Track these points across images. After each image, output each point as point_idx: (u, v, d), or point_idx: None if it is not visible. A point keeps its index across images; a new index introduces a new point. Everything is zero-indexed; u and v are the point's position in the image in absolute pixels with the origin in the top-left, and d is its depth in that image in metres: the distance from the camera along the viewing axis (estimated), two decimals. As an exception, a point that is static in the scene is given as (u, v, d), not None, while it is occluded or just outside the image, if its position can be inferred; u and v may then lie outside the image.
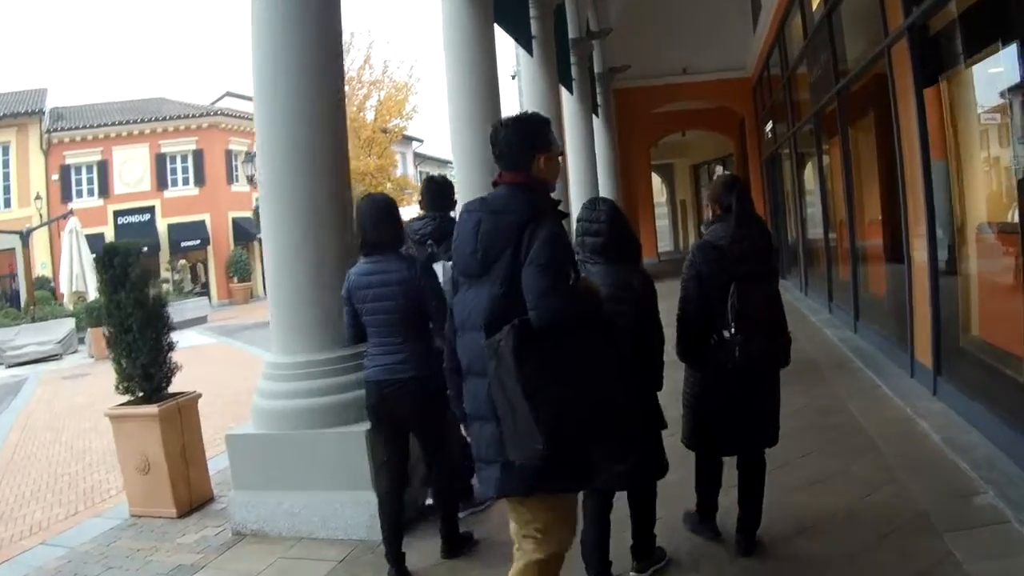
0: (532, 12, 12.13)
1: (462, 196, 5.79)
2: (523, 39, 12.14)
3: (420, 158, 57.15)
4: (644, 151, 26.44)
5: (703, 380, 4.24)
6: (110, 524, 6.16)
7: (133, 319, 6.01)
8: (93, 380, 14.91)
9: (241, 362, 15.80)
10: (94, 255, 22.15)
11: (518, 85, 12.63)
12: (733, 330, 3.98)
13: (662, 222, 38.05)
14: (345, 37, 6.65)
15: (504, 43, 11.73)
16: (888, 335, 8.81)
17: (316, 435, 5.15)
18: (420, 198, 5.62)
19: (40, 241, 32.37)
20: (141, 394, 6.16)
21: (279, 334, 5.41)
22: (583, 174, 17.03)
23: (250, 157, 33.00)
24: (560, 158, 3.32)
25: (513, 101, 12.65)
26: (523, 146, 3.13)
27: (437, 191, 5.47)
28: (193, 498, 6.24)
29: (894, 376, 7.83)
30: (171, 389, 6.28)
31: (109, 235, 31.92)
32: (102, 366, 13.75)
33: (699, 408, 4.29)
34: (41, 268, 32.78)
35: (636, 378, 3.79)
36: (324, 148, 5.34)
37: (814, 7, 11.73)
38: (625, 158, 22.94)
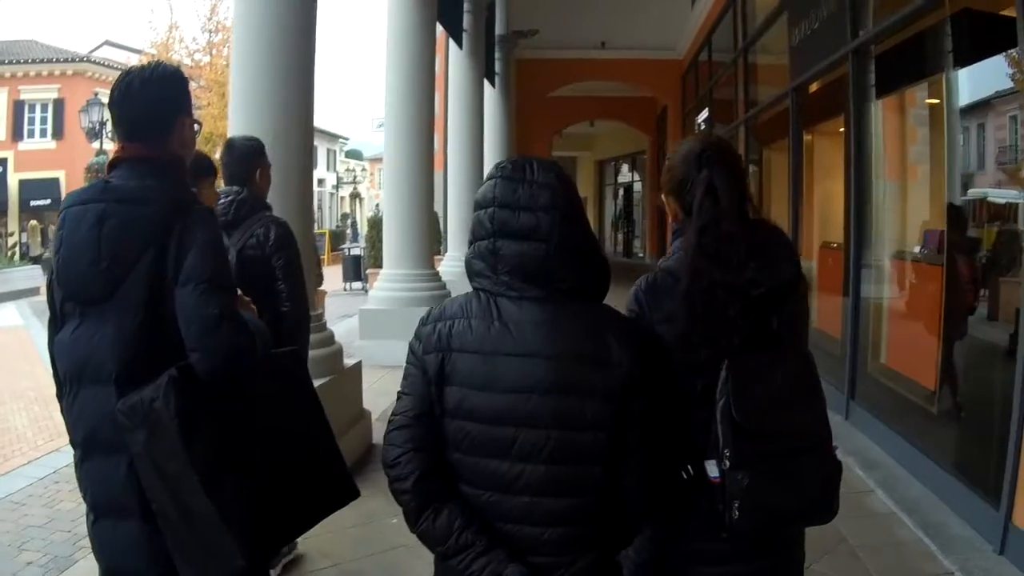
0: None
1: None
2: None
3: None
4: (546, 138, 23.63)
5: (667, 548, 2.26)
6: None
7: None
8: None
9: (20, 357, 12.24)
10: None
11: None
12: (727, 461, 2.01)
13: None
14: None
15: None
16: (947, 466, 5.14)
17: None
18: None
19: None
20: None
21: None
22: (466, 152, 13.79)
23: (92, 103, 28.71)
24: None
25: (379, 51, 9.96)
26: (167, 105, 2.38)
27: (238, 156, 4.13)
28: None
29: (971, 548, 4.44)
30: None
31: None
32: None
33: None
34: None
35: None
36: None
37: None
38: (522, 141, 19.79)
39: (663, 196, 2.36)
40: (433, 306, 2.07)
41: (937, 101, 5.82)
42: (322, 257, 30.05)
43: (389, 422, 2.01)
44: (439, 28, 11.53)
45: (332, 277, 21.34)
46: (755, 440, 2.06)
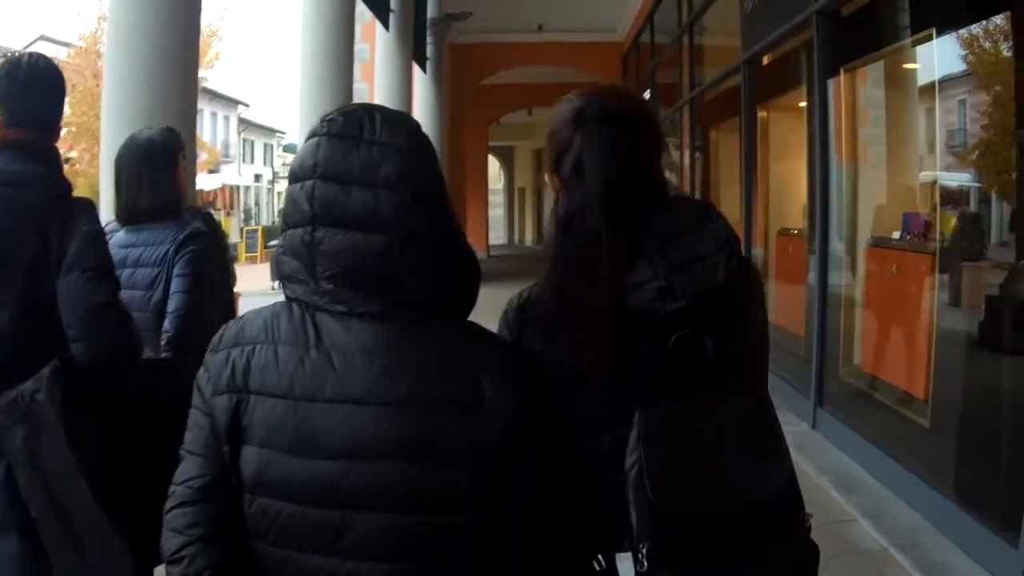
0: None
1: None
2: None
3: (245, 124, 51.79)
4: (482, 128, 23.20)
5: None
6: None
7: None
8: None
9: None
10: None
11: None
12: (645, 561, 1.42)
13: (496, 211, 36.80)
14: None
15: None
16: (947, 491, 4.35)
17: None
18: None
19: None
20: None
21: None
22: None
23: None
24: None
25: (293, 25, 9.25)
26: (58, 93, 2.40)
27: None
28: None
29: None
30: None
31: None
32: None
33: None
34: None
35: None
36: None
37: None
38: (457, 132, 18.94)
39: (546, 175, 1.76)
40: (231, 322, 1.49)
41: (918, 67, 5.13)
42: (254, 255, 29.13)
43: (169, 494, 1.45)
44: (367, 11, 10.77)
45: (261, 274, 20.50)
46: (684, 527, 1.47)
